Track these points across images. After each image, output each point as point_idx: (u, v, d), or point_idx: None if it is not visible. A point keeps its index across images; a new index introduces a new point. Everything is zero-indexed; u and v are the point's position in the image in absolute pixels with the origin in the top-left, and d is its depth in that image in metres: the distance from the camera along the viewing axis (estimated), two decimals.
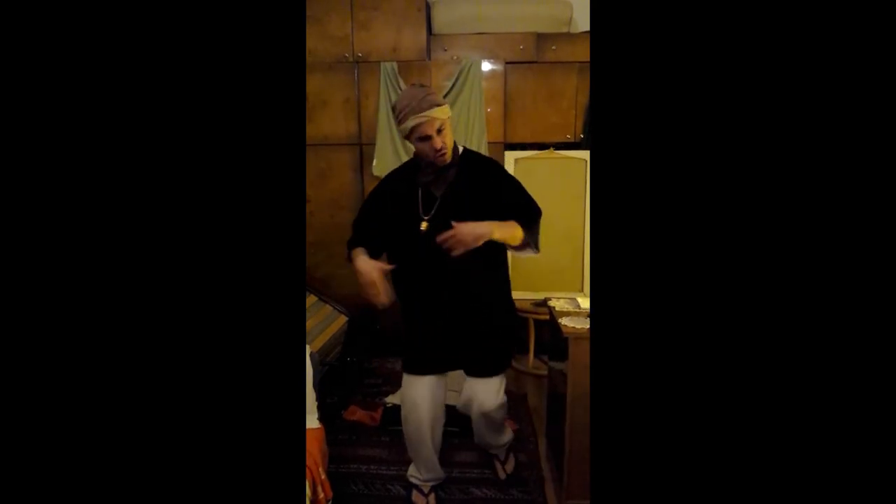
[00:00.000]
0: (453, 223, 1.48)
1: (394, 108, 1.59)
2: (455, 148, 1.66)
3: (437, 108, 1.53)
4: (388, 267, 1.63)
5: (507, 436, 2.05)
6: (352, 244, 1.74)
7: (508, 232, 1.58)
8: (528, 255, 1.71)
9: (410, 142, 1.61)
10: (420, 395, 1.75)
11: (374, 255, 1.68)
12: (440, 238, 1.48)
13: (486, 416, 1.80)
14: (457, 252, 1.48)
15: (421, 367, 1.76)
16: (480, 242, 1.50)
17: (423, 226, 1.62)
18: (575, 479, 1.88)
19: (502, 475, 2.10)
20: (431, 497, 1.94)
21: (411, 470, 1.97)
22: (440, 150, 1.56)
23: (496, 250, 1.64)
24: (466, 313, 1.69)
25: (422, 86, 1.59)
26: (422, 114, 1.51)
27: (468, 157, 1.71)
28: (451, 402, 1.97)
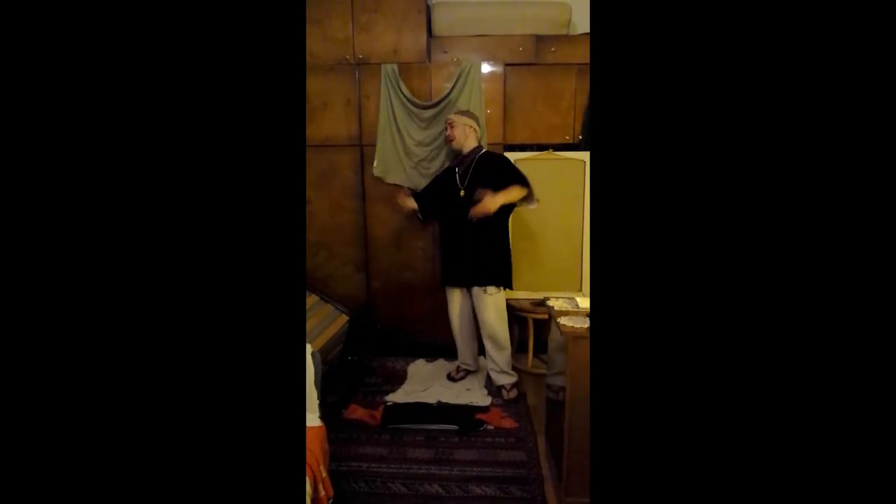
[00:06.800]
0: (478, 195, 2.58)
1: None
2: (478, 147, 2.77)
3: (454, 115, 2.76)
4: (412, 203, 2.85)
5: (508, 358, 2.84)
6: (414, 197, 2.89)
7: (511, 195, 2.61)
8: (532, 206, 2.70)
9: None
10: (451, 299, 2.88)
11: (427, 210, 2.89)
12: (473, 210, 2.58)
13: (486, 323, 2.76)
14: (480, 217, 2.59)
15: (450, 281, 2.85)
16: (496, 208, 2.56)
17: (462, 193, 2.71)
18: (574, 477, 1.90)
19: (507, 396, 2.79)
20: (461, 375, 3.00)
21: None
22: (448, 135, 2.77)
23: (501, 212, 2.64)
24: (479, 247, 2.70)
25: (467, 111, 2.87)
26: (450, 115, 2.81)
27: (487, 154, 2.77)
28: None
